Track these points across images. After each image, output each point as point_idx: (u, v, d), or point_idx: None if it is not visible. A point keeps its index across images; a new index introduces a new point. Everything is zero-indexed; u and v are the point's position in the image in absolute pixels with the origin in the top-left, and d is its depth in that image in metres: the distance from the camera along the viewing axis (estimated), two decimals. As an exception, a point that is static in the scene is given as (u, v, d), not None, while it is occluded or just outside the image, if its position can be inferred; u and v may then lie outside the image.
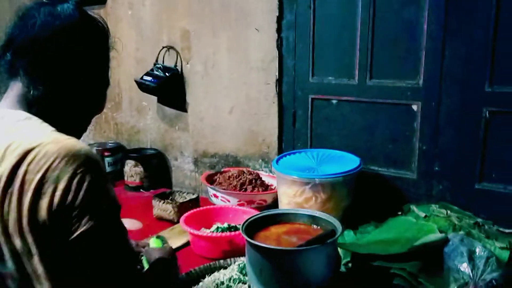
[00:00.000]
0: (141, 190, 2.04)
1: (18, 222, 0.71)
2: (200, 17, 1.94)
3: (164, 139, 2.17)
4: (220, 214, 1.55)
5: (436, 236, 1.28)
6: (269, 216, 1.26)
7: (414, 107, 1.52)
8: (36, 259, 0.72)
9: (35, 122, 0.80)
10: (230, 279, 1.19)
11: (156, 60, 2.07)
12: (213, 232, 1.42)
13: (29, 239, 0.71)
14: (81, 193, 0.71)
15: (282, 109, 1.79)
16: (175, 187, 2.15)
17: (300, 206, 1.44)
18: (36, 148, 0.73)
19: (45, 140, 0.74)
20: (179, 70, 2.02)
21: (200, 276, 1.24)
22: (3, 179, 0.72)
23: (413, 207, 1.48)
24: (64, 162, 0.72)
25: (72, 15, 0.84)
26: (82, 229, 0.71)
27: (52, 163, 0.71)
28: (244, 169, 1.76)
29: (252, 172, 1.74)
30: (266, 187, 1.69)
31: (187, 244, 1.46)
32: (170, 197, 1.76)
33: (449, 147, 1.48)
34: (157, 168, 2.11)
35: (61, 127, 0.82)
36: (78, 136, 0.91)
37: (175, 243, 1.45)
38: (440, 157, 1.50)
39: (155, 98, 2.14)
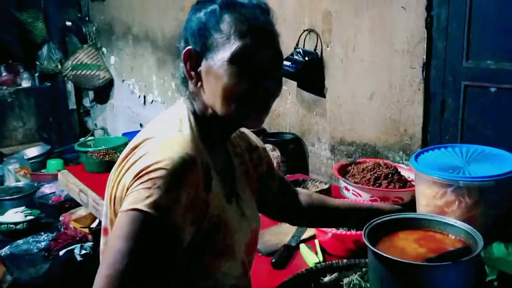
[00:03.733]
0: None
1: (111, 189, 0.87)
2: (343, -3, 1.83)
3: (302, 124, 2.14)
4: (350, 208, 1.47)
5: None
6: (398, 220, 1.15)
7: None
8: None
9: (175, 120, 0.91)
10: (350, 283, 1.12)
11: (297, 44, 2.04)
12: (339, 228, 1.35)
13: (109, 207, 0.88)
14: (143, 179, 0.78)
15: (429, 96, 1.61)
16: (311, 173, 2.12)
17: (440, 210, 1.28)
18: (152, 138, 0.85)
19: (162, 135, 0.86)
20: (319, 54, 1.96)
21: (320, 274, 1.20)
22: (125, 154, 0.87)
23: None
24: (153, 155, 0.80)
25: None
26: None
27: (147, 153, 0.82)
28: (381, 162, 1.63)
29: (390, 166, 1.61)
30: (404, 183, 1.55)
31: (313, 236, 1.42)
32: (302, 185, 1.73)
33: None
34: (294, 153, 2.10)
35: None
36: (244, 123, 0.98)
37: (304, 234, 1.43)
38: None
39: (295, 82, 2.12)
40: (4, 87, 4.97)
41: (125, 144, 2.37)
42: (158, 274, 0.77)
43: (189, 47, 0.91)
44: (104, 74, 4.07)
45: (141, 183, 0.78)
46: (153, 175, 0.77)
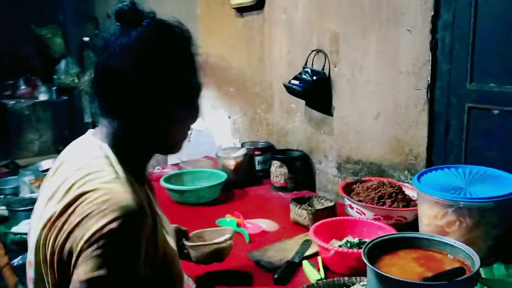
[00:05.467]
0: (282, 191, 2.09)
1: (51, 255, 0.80)
2: (350, 19, 1.88)
3: (310, 141, 2.18)
4: (353, 226, 1.49)
5: None
6: (399, 239, 1.17)
7: None
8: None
9: (105, 165, 0.85)
10: (350, 300, 1.14)
11: (305, 64, 2.08)
12: (341, 246, 1.37)
13: (50, 273, 0.80)
14: (99, 244, 0.74)
15: (433, 117, 1.63)
16: (318, 190, 2.15)
17: (441, 230, 1.30)
18: (90, 192, 0.78)
19: (101, 187, 0.79)
20: (327, 73, 2.00)
21: (321, 291, 1.22)
22: (56, 214, 0.80)
23: None
24: (101, 214, 0.75)
25: None
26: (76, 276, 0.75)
27: (92, 211, 0.76)
28: (385, 180, 1.65)
29: (394, 184, 1.63)
30: (408, 202, 1.57)
31: (316, 253, 1.44)
32: (308, 202, 1.76)
33: None
34: (301, 170, 2.13)
35: (145, 150, 0.94)
36: (169, 152, 1.02)
37: (308, 251, 1.46)
38: None
39: (303, 101, 2.16)
40: (22, 100, 5.10)
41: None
42: None
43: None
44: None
45: (98, 248, 0.73)
46: (108, 237, 0.74)
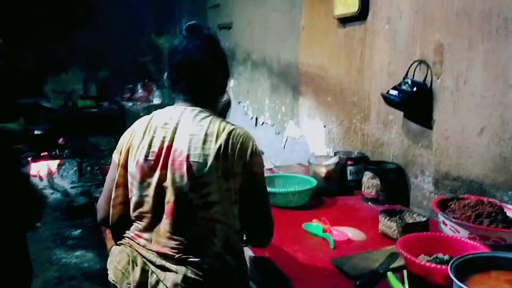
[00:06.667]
0: (373, 202, 2.05)
1: (225, 170, 1.28)
2: (457, 30, 1.80)
3: (406, 154, 2.11)
4: (445, 244, 1.42)
5: None
6: (491, 258, 1.10)
7: None
8: (234, 191, 1.31)
9: (218, 117, 1.38)
10: (432, 315, 1.10)
11: (406, 74, 2.03)
12: (429, 261, 1.32)
13: (235, 179, 1.31)
14: (257, 156, 1.34)
15: (545, 135, 1.50)
16: (412, 206, 2.07)
17: (544, 255, 1.19)
18: (234, 130, 1.32)
19: (234, 127, 1.34)
20: (428, 85, 1.93)
21: (404, 303, 1.19)
22: (223, 146, 1.29)
23: None
24: (248, 139, 1.34)
25: None
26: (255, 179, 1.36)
27: (245, 138, 1.33)
28: (485, 199, 1.55)
29: (495, 204, 1.52)
30: (509, 224, 1.45)
31: (403, 267, 1.40)
32: (398, 215, 1.71)
33: None
34: (394, 184, 2.07)
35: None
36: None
37: (394, 263, 1.42)
38: None
39: (401, 113, 2.11)
40: (139, 103, 5.61)
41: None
42: None
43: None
44: (224, 96, 4.40)
45: (258, 156, 1.34)
46: (258, 151, 1.34)
